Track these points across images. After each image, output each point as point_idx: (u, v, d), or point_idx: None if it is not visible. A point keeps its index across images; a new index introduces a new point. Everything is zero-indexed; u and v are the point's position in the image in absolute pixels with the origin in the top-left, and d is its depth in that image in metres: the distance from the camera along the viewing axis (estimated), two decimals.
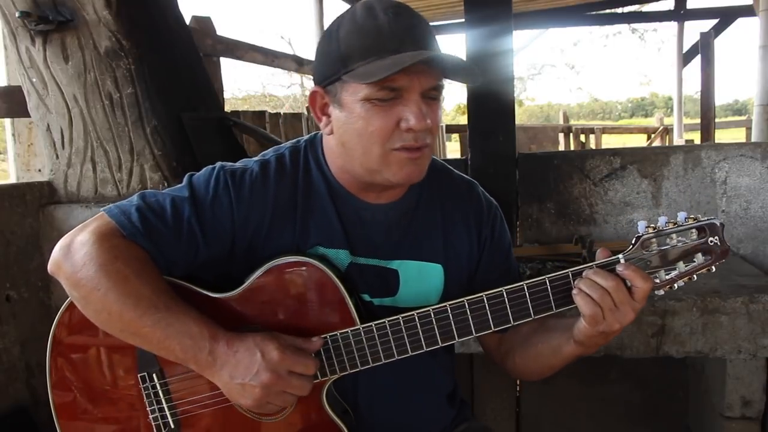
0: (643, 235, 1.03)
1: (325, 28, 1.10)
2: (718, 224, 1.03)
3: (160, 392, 1.12)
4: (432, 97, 1.05)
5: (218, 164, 1.15)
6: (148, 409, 1.13)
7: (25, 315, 2.18)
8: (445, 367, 1.28)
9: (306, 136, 1.21)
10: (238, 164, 1.16)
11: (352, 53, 1.02)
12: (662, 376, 2.29)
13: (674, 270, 1.04)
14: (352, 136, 1.06)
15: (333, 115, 1.08)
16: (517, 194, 2.46)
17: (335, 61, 1.04)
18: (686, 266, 1.03)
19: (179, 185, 1.13)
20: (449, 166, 1.28)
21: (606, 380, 2.33)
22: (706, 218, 1.04)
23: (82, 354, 1.16)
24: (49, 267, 1.06)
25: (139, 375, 1.12)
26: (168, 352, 1.03)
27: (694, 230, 1.03)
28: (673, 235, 1.03)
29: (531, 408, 2.37)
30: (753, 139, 5.94)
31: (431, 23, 1.42)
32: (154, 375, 1.12)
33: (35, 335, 2.20)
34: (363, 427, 1.17)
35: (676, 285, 1.04)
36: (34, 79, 2.22)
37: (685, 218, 1.03)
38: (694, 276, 1.04)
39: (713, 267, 1.04)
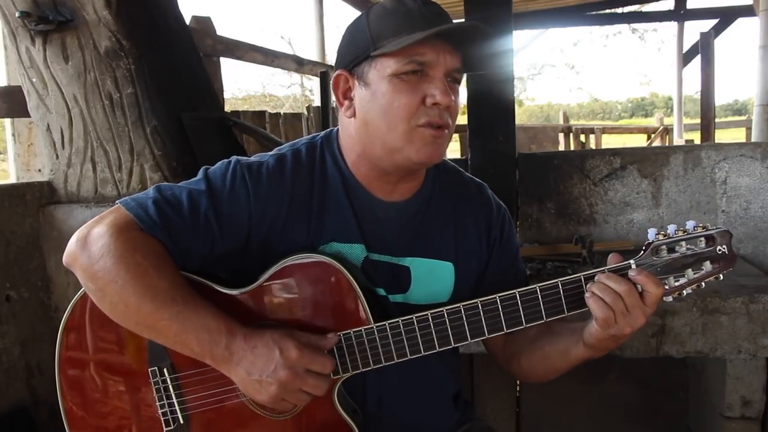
0: (653, 242, 1.04)
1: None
2: (727, 233, 1.05)
3: (170, 387, 1.11)
4: (455, 79, 1.08)
5: (234, 158, 1.14)
6: (157, 403, 1.12)
7: (25, 315, 2.18)
8: (452, 368, 1.28)
9: (322, 132, 1.22)
10: (254, 158, 1.15)
11: (382, 33, 1.05)
12: (662, 376, 2.29)
13: (683, 277, 1.05)
14: (376, 114, 1.07)
15: (357, 97, 1.10)
16: (517, 194, 2.46)
17: (364, 43, 1.07)
18: (695, 274, 1.05)
19: (194, 178, 1.12)
20: (460, 168, 1.29)
21: (606, 380, 2.33)
22: (715, 227, 1.06)
23: (92, 350, 1.15)
24: (65, 258, 1.06)
25: (149, 369, 1.12)
26: (184, 346, 1.02)
27: (702, 238, 1.04)
28: (683, 243, 1.04)
29: (531, 408, 2.37)
30: (753, 139, 5.95)
31: None
32: (165, 369, 1.11)
33: (35, 335, 2.20)
34: (371, 427, 1.16)
35: (684, 292, 1.06)
36: (34, 79, 2.23)
37: (695, 227, 1.05)
38: (702, 284, 1.06)
39: (721, 275, 1.05)
